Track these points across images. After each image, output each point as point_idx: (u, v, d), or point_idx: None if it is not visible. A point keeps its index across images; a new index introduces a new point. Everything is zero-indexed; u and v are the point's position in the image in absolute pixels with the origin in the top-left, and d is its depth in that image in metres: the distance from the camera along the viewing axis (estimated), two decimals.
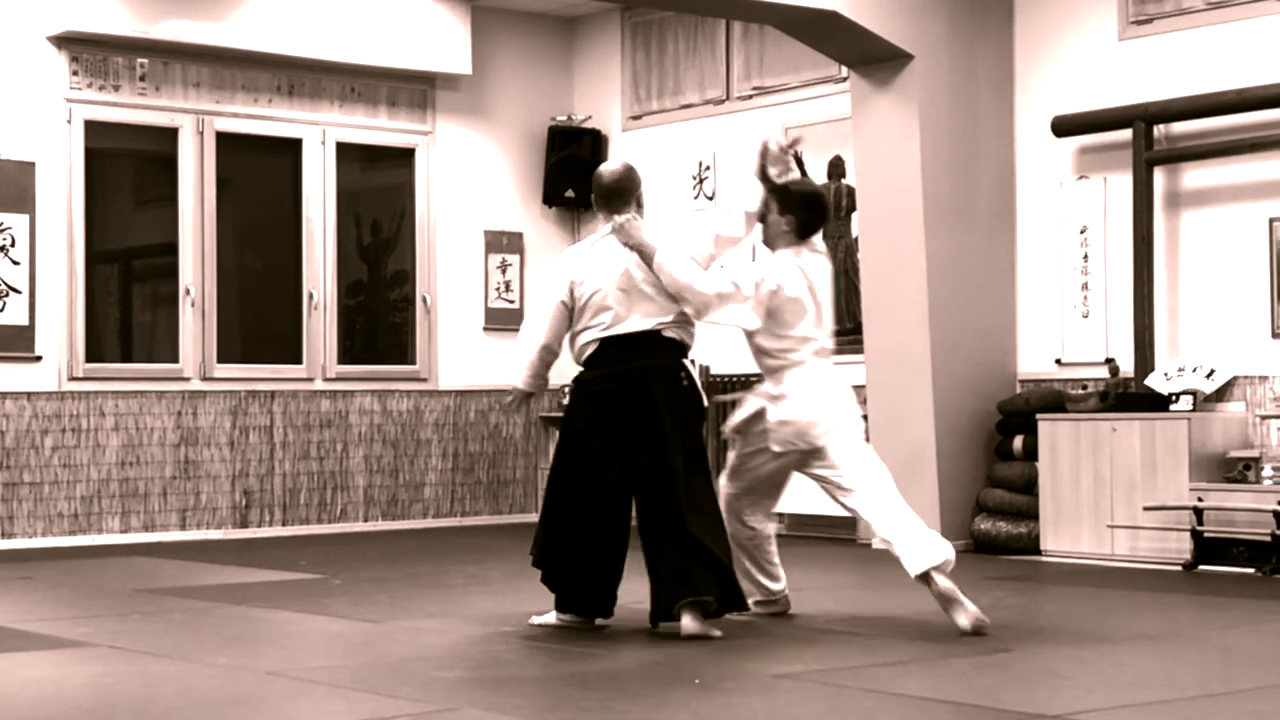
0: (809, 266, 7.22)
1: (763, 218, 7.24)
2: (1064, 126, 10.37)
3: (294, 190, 12.39)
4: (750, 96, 12.28)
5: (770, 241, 7.32)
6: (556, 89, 13.53)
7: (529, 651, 6.51)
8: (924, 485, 10.30)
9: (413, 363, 12.84)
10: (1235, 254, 9.77)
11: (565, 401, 7.31)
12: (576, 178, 13.10)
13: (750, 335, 7.19)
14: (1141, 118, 9.96)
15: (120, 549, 10.96)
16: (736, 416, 7.35)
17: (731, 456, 7.45)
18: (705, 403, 7.02)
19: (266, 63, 12.14)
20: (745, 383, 11.96)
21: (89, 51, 11.52)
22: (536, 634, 6.89)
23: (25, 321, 11.22)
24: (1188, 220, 10.00)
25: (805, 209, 7.25)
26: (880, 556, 10.07)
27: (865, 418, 10.76)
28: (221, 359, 11.94)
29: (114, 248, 11.94)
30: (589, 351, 6.96)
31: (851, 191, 11.28)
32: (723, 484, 7.38)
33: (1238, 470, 9.35)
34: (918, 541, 6.88)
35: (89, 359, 11.49)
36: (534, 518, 12.90)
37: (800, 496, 11.36)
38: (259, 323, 12.42)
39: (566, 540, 6.94)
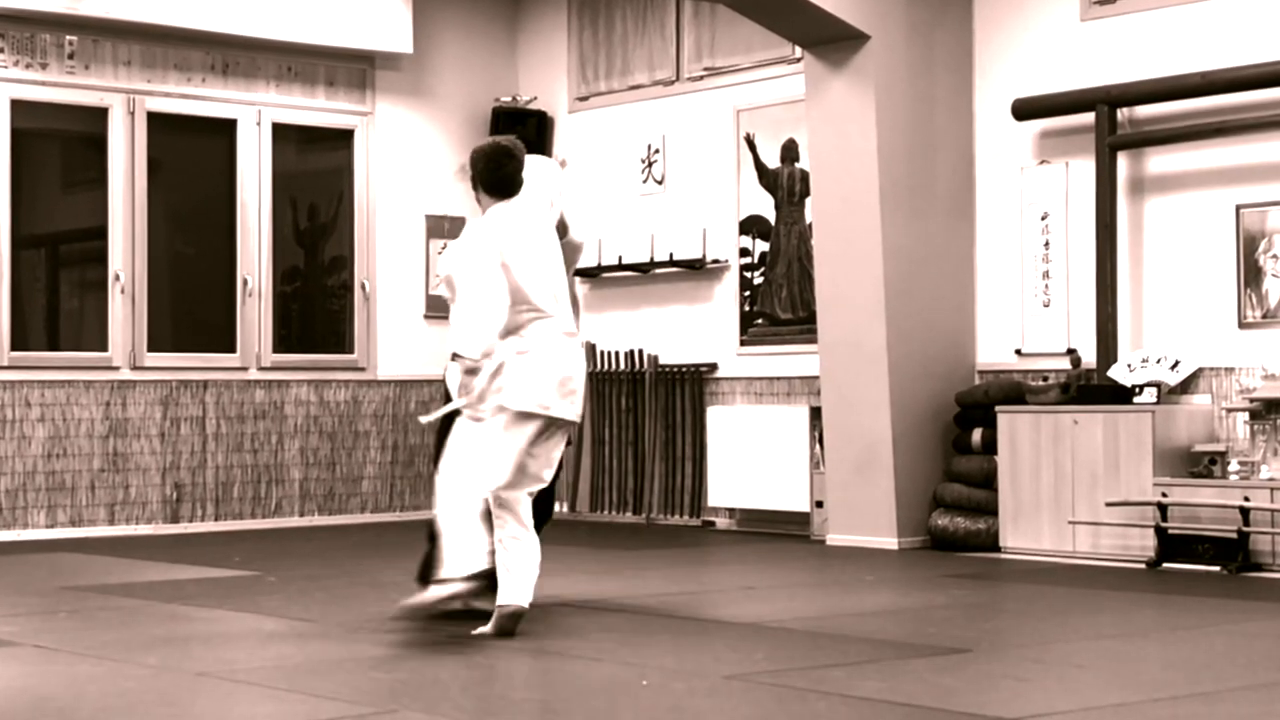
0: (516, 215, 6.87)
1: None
2: (1024, 110, 10.27)
3: (228, 173, 12.20)
4: (701, 77, 12.09)
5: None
6: (500, 69, 13.31)
7: (469, 652, 6.39)
8: (880, 479, 10.20)
9: (350, 351, 12.64)
10: (1201, 241, 9.67)
11: None
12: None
13: None
14: (1104, 101, 9.88)
15: (46, 545, 10.82)
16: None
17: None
18: None
19: (200, 40, 11.94)
20: (694, 372, 11.76)
21: (16, 28, 11.30)
22: (476, 635, 6.70)
23: None
24: (1152, 207, 9.90)
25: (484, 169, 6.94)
26: (834, 554, 9.97)
27: (819, 410, 10.69)
28: (152, 347, 11.74)
29: (41, 231, 11.76)
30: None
31: (805, 176, 11.16)
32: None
33: (1203, 465, 9.27)
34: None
35: (14, 347, 11.28)
36: None
37: (754, 492, 11.26)
38: (191, 310, 12.25)
39: None
